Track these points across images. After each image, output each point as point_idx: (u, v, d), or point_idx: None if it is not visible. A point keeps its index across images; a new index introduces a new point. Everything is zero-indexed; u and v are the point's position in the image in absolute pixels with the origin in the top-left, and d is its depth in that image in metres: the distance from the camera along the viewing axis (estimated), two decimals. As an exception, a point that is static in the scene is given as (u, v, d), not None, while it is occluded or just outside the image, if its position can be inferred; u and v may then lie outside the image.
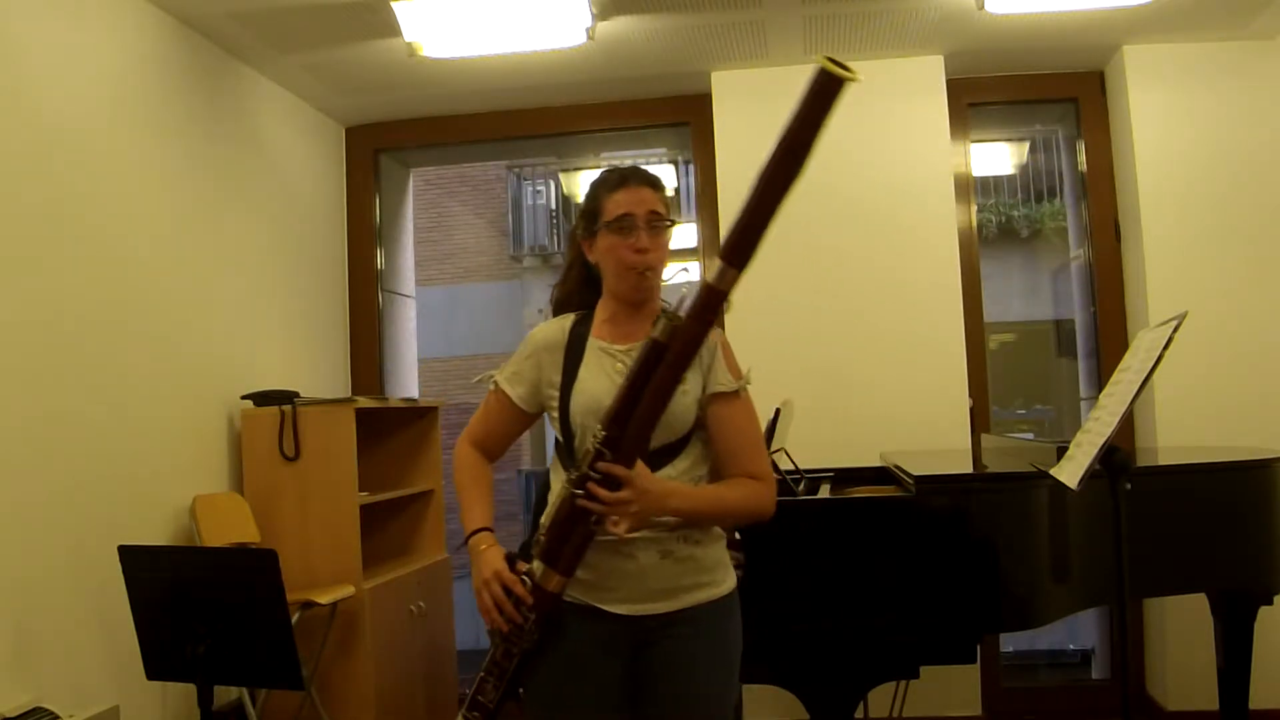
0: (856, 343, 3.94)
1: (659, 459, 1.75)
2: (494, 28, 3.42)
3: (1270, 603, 2.85)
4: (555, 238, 10.79)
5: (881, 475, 3.19)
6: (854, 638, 2.36)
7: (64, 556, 2.65)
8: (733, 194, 4.07)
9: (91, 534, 2.72)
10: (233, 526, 3.25)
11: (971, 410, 3.91)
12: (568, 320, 1.90)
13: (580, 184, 6.75)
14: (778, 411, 2.86)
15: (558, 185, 10.41)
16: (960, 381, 3.90)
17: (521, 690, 1.78)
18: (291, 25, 3.44)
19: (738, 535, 2.86)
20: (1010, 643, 4.45)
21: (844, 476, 3.28)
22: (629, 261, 1.79)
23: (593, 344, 1.85)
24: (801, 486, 2.96)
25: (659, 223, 1.82)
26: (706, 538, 1.82)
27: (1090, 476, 1.93)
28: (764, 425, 2.85)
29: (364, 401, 3.59)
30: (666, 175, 6.23)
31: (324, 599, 3.19)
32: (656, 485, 1.68)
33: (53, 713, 2.44)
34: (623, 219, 1.80)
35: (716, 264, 1.60)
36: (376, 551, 3.80)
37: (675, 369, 1.62)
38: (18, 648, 2.48)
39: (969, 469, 3.08)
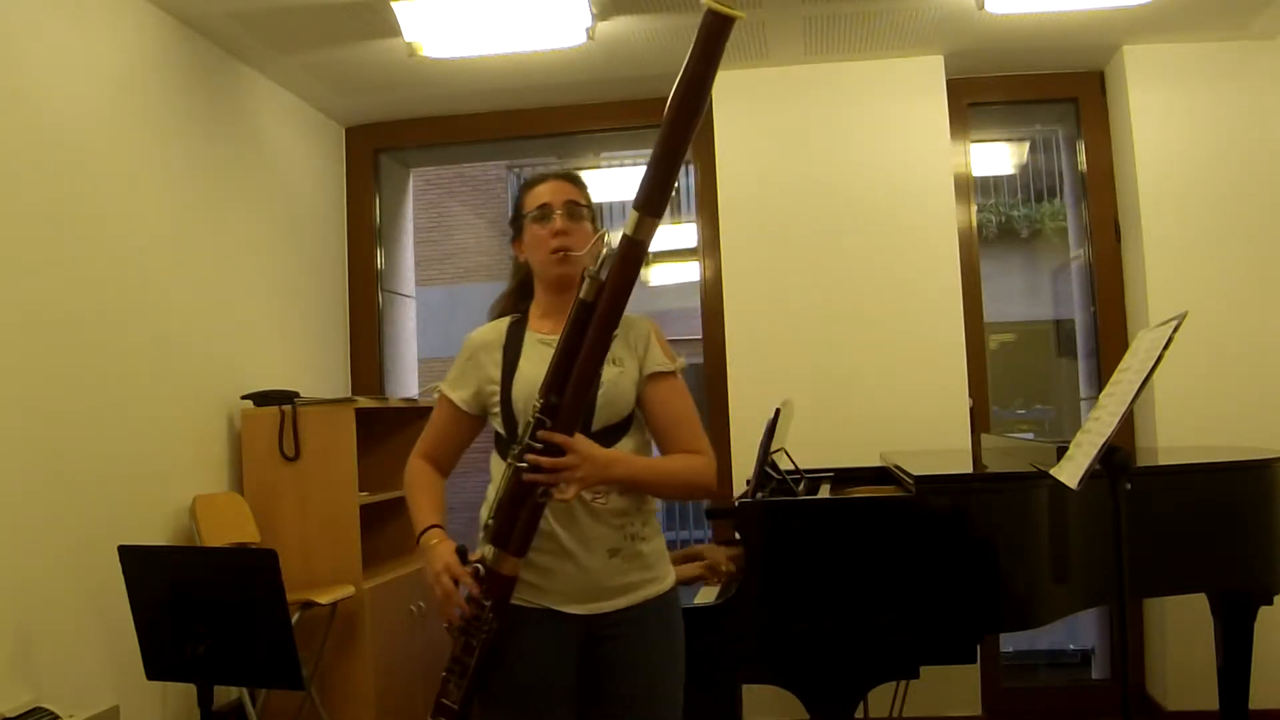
0: (856, 343, 3.94)
1: (605, 439, 1.79)
2: (494, 28, 3.42)
3: (1270, 603, 2.85)
4: (555, 238, 10.76)
5: (881, 475, 3.19)
6: (854, 638, 2.36)
7: (64, 556, 2.64)
8: (733, 194, 4.07)
9: (91, 534, 2.72)
10: (233, 526, 3.25)
11: (971, 410, 3.91)
12: (504, 321, 1.95)
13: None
14: (778, 411, 2.85)
15: (557, 185, 10.38)
16: (960, 381, 3.90)
17: (480, 693, 1.79)
18: (291, 25, 3.44)
19: (737, 535, 2.86)
20: (1010, 643, 4.44)
21: (844, 476, 3.28)
22: (549, 245, 1.86)
23: (530, 337, 1.90)
24: (801, 486, 2.96)
25: (575, 210, 1.89)
26: (649, 531, 1.88)
27: (1090, 476, 1.93)
28: (764, 425, 2.85)
29: (364, 401, 3.59)
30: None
31: (324, 599, 3.19)
32: (599, 451, 1.72)
33: (53, 713, 2.44)
34: (541, 208, 1.89)
35: (633, 215, 1.63)
36: (376, 551, 3.80)
37: (605, 327, 1.66)
38: (18, 648, 2.48)
39: (969, 469, 3.08)
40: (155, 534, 3.04)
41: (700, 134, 4.22)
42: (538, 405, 1.67)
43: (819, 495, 2.94)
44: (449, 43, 3.52)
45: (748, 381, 3.97)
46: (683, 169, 6.12)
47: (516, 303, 1.99)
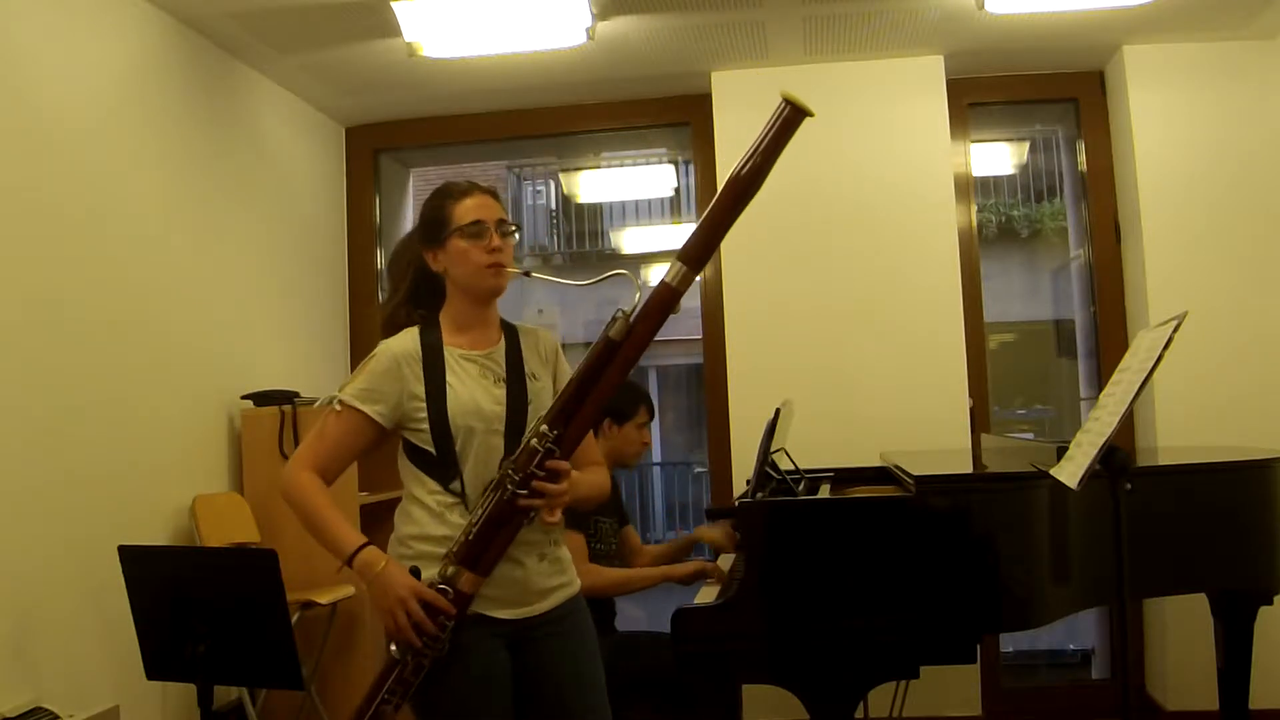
0: (856, 343, 3.94)
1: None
2: (494, 28, 3.42)
3: (1270, 603, 2.85)
4: (555, 238, 10.79)
5: (881, 475, 3.19)
6: (854, 637, 2.36)
7: (64, 556, 2.65)
8: (733, 194, 4.06)
9: (91, 533, 2.72)
10: (233, 526, 3.26)
11: (971, 410, 3.91)
12: (413, 331, 1.92)
13: (580, 184, 6.75)
14: (778, 411, 2.86)
15: (558, 185, 10.40)
16: (960, 381, 3.90)
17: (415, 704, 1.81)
18: (291, 25, 3.44)
19: (738, 535, 2.86)
20: (1010, 643, 4.44)
21: (844, 476, 3.28)
22: (485, 261, 1.88)
23: (451, 352, 1.89)
24: (801, 486, 2.96)
25: (506, 229, 1.92)
26: (562, 538, 1.96)
27: (1090, 476, 1.93)
28: (764, 425, 2.86)
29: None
30: (666, 175, 6.22)
31: (324, 599, 3.19)
32: (575, 474, 1.81)
33: (53, 713, 2.44)
34: (476, 224, 1.88)
35: (677, 265, 1.72)
36: (376, 551, 3.79)
37: (624, 368, 1.74)
38: (18, 648, 2.48)
39: (969, 469, 3.08)
40: (155, 534, 3.04)
41: (700, 134, 4.24)
42: (547, 435, 1.73)
43: (819, 495, 2.94)
44: (449, 43, 3.52)
45: (748, 381, 3.97)
46: (683, 168, 6.12)
47: (410, 311, 1.96)
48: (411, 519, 1.86)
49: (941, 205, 3.95)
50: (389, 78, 3.95)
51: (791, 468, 3.08)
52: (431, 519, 1.84)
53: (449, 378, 1.86)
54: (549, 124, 4.45)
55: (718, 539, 3.14)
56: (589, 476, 1.95)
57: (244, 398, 3.50)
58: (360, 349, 4.47)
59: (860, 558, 2.40)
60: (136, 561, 2.30)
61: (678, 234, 8.86)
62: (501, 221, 1.92)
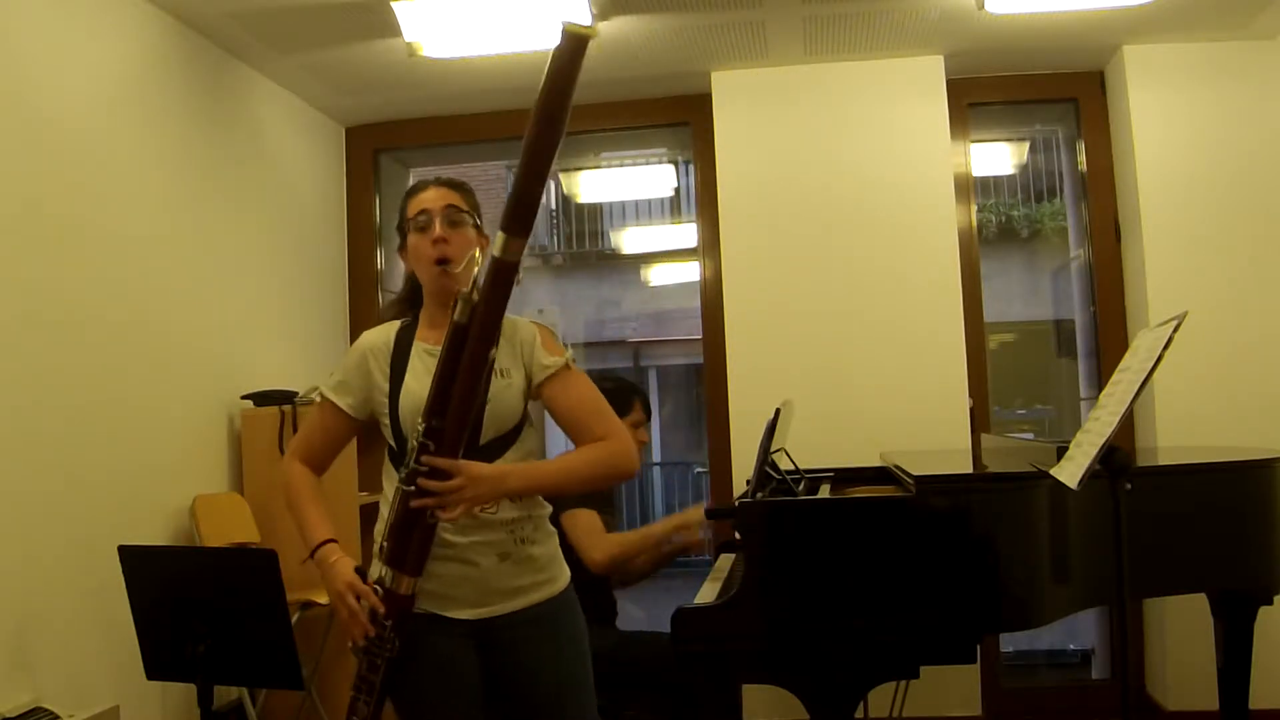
0: (857, 343, 3.94)
1: (490, 453, 1.79)
2: (494, 28, 3.42)
3: (1270, 603, 2.85)
4: (555, 238, 10.79)
5: (881, 475, 3.19)
6: (854, 637, 2.36)
7: (64, 556, 2.65)
8: (733, 194, 4.07)
9: (91, 534, 2.72)
10: (233, 526, 3.26)
11: (971, 410, 3.91)
12: (394, 325, 1.93)
13: (580, 184, 6.75)
14: (778, 411, 2.85)
15: (558, 185, 10.38)
16: (960, 381, 3.90)
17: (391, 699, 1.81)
18: (291, 25, 3.44)
19: (737, 535, 2.86)
20: (1010, 643, 4.44)
21: (844, 476, 3.28)
22: (428, 253, 1.85)
23: (416, 347, 1.89)
24: (801, 486, 2.96)
25: (455, 216, 1.87)
26: (540, 535, 1.89)
27: (1090, 476, 1.93)
28: (764, 425, 2.85)
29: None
30: (666, 175, 6.22)
31: (324, 599, 3.18)
32: (487, 470, 1.72)
33: (53, 713, 2.44)
34: (419, 215, 1.88)
35: (500, 236, 1.63)
36: (376, 551, 3.80)
37: (481, 346, 1.66)
38: (18, 648, 2.48)
39: (969, 469, 3.08)
40: (155, 534, 3.04)
41: (700, 134, 4.24)
42: (420, 428, 1.68)
43: (819, 495, 2.94)
44: (449, 43, 3.52)
45: (748, 381, 3.97)
46: (683, 168, 6.11)
47: (405, 309, 1.98)
48: (381, 516, 1.86)
49: (941, 205, 3.95)
50: (389, 78, 3.95)
51: (791, 468, 3.08)
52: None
53: (406, 375, 1.85)
54: (549, 124, 4.43)
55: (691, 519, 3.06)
56: (555, 462, 1.90)
57: (244, 398, 3.50)
58: (360, 349, 4.47)
59: (860, 558, 2.40)
60: (136, 561, 2.30)
61: (678, 234, 8.83)
62: (450, 208, 1.88)
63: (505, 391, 1.83)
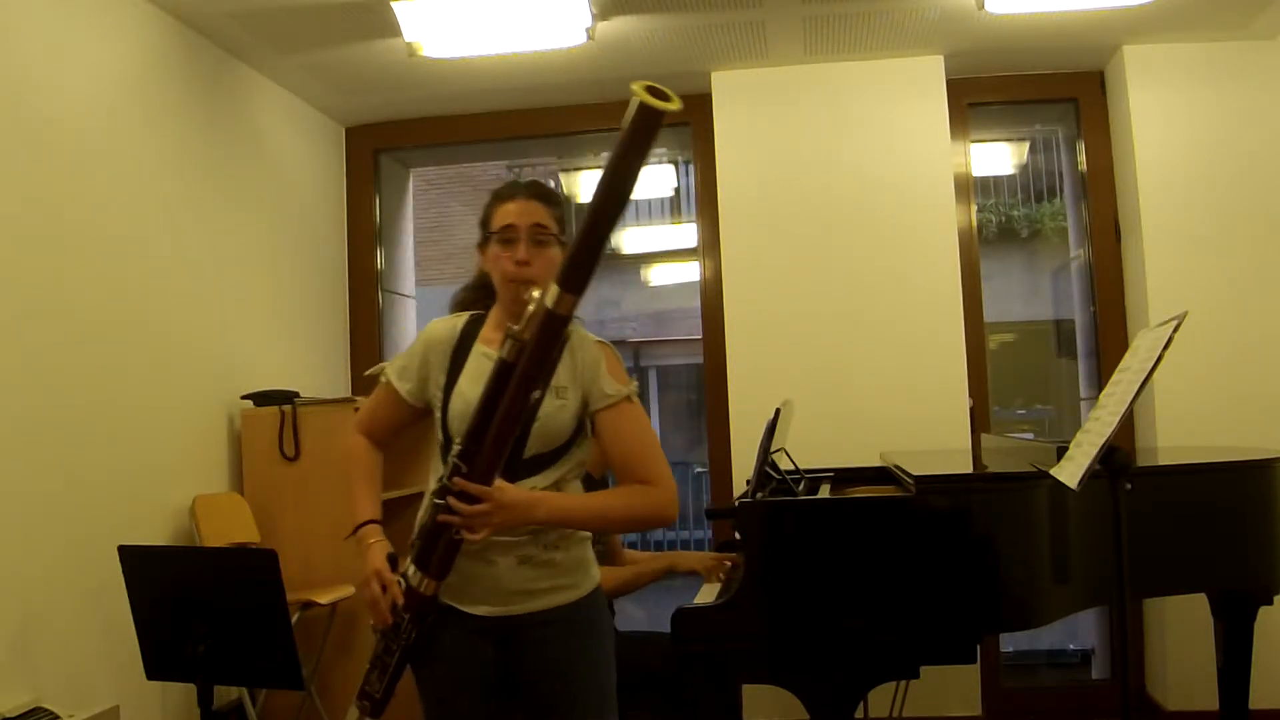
0: (857, 343, 3.94)
1: (530, 469, 1.79)
2: (494, 28, 3.42)
3: (1270, 603, 2.85)
4: (555, 238, 10.76)
5: (881, 475, 3.19)
6: (854, 637, 2.36)
7: (64, 556, 2.65)
8: (733, 194, 4.07)
9: (91, 534, 2.72)
10: (233, 526, 3.26)
11: (971, 410, 3.91)
12: (461, 319, 1.93)
13: (580, 184, 6.74)
14: (778, 411, 2.85)
15: (558, 185, 10.39)
16: (960, 381, 3.90)
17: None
18: (291, 25, 3.44)
19: (737, 535, 2.86)
20: (1010, 643, 4.44)
21: (844, 476, 3.28)
22: (509, 273, 1.82)
23: (477, 348, 1.87)
24: (801, 486, 2.96)
25: (543, 236, 1.83)
26: (566, 542, 1.86)
27: (1090, 476, 1.93)
28: (764, 425, 2.85)
29: (364, 401, 3.58)
30: (666, 175, 6.22)
31: (324, 599, 3.19)
32: (520, 497, 1.71)
33: (53, 713, 2.44)
34: (506, 230, 1.83)
35: (553, 289, 1.60)
36: (376, 551, 3.80)
37: (522, 390, 1.64)
38: (18, 648, 2.48)
39: (969, 469, 3.08)
40: (155, 534, 3.04)
41: (700, 134, 4.24)
42: (457, 449, 1.68)
43: (819, 495, 2.94)
44: (449, 43, 3.52)
45: (748, 381, 3.97)
46: (683, 168, 6.11)
47: (478, 299, 1.97)
48: (424, 506, 1.85)
49: (941, 205, 3.95)
50: (389, 78, 3.95)
51: (791, 468, 3.08)
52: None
53: (461, 377, 1.85)
54: (549, 124, 4.44)
55: (695, 568, 3.05)
56: (590, 498, 1.88)
57: (244, 398, 3.50)
58: (360, 349, 4.47)
59: (860, 558, 2.40)
60: (136, 561, 2.30)
61: (678, 234, 8.83)
62: (537, 226, 1.83)
63: (559, 412, 1.80)
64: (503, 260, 1.83)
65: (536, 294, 1.64)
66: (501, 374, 1.65)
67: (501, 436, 1.66)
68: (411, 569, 1.76)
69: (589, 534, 1.93)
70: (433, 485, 1.81)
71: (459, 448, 1.68)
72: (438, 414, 1.87)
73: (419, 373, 1.90)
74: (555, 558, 1.84)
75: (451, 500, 1.67)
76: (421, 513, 1.81)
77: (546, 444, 1.81)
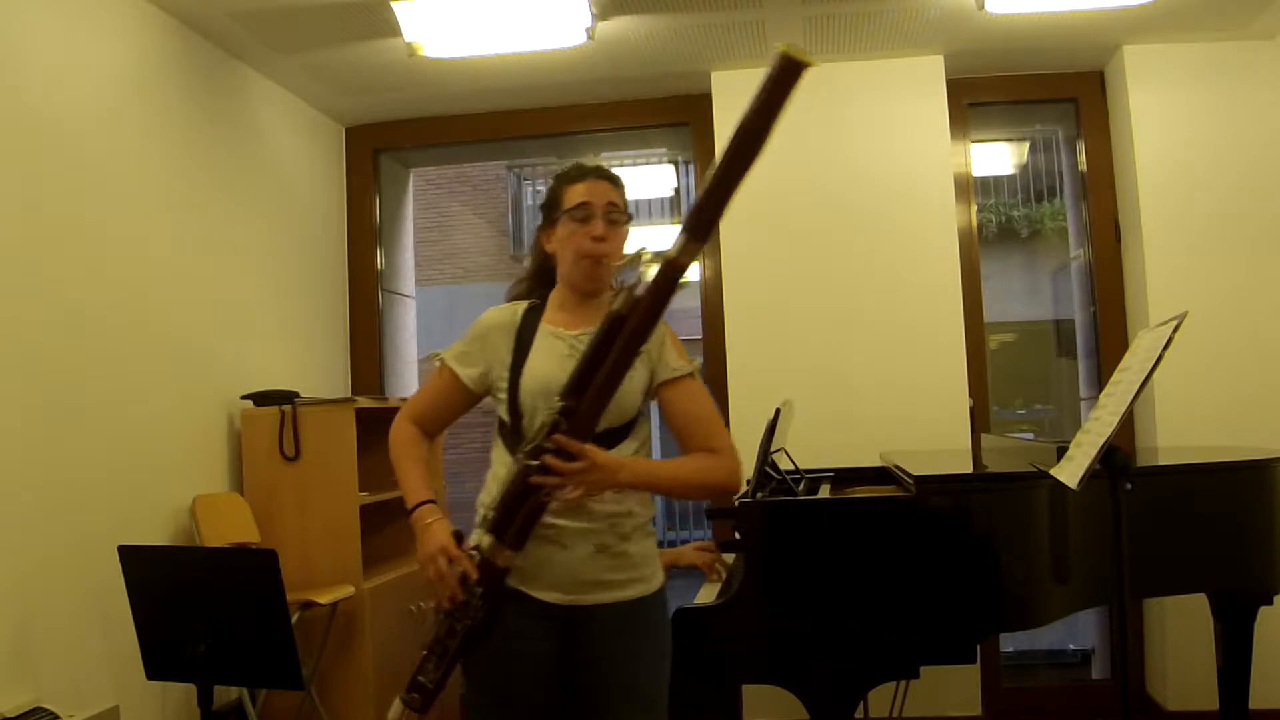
0: (856, 343, 3.94)
1: (604, 442, 1.78)
2: (494, 28, 3.42)
3: (1270, 603, 2.85)
4: (555, 237, 10.76)
5: (881, 475, 3.19)
6: (854, 638, 2.36)
7: (64, 556, 2.65)
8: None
9: (91, 533, 2.72)
10: (233, 526, 3.25)
11: (971, 410, 3.91)
12: (520, 305, 1.94)
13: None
14: (778, 411, 2.85)
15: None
16: (960, 381, 3.90)
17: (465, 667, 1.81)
18: (291, 25, 3.44)
19: (737, 535, 2.86)
20: (1010, 643, 4.44)
21: (844, 476, 3.28)
22: (585, 249, 1.85)
23: (543, 329, 1.90)
24: (801, 486, 2.96)
25: (616, 215, 1.88)
26: (639, 534, 1.88)
27: (1090, 476, 1.93)
28: (764, 425, 2.85)
29: (364, 401, 3.59)
30: (666, 175, 6.22)
31: (324, 599, 3.19)
32: (608, 458, 1.72)
33: (53, 713, 2.44)
34: (581, 206, 1.86)
35: (679, 238, 1.63)
36: (376, 551, 3.80)
37: (634, 342, 1.66)
38: (18, 648, 2.48)
39: (969, 469, 3.08)
40: (155, 534, 3.04)
41: (700, 134, 4.24)
42: (556, 407, 1.68)
43: (819, 495, 2.94)
44: (449, 43, 3.52)
45: (747, 381, 3.97)
46: (683, 168, 6.08)
47: (534, 288, 1.99)
48: (486, 486, 1.86)
49: (941, 205, 3.95)
50: (389, 78, 3.95)
51: (791, 468, 3.08)
52: (500, 487, 1.82)
53: (531, 353, 1.86)
54: (549, 124, 4.44)
55: (695, 563, 3.05)
56: (668, 464, 1.88)
57: (244, 398, 3.50)
58: (360, 349, 4.47)
59: (860, 558, 2.40)
60: (136, 561, 2.31)
61: (675, 233, 8.78)
62: (611, 205, 1.87)
63: (629, 385, 1.80)
64: (577, 237, 1.86)
65: (646, 268, 1.67)
66: (611, 328, 1.66)
67: (603, 392, 1.68)
68: (486, 539, 1.73)
69: (654, 529, 1.94)
70: (496, 468, 1.84)
71: (559, 404, 1.68)
72: (502, 395, 1.87)
73: (481, 357, 1.91)
74: (629, 549, 1.86)
75: (549, 459, 1.66)
76: (489, 489, 1.82)
77: (619, 418, 1.83)
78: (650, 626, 1.89)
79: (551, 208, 1.92)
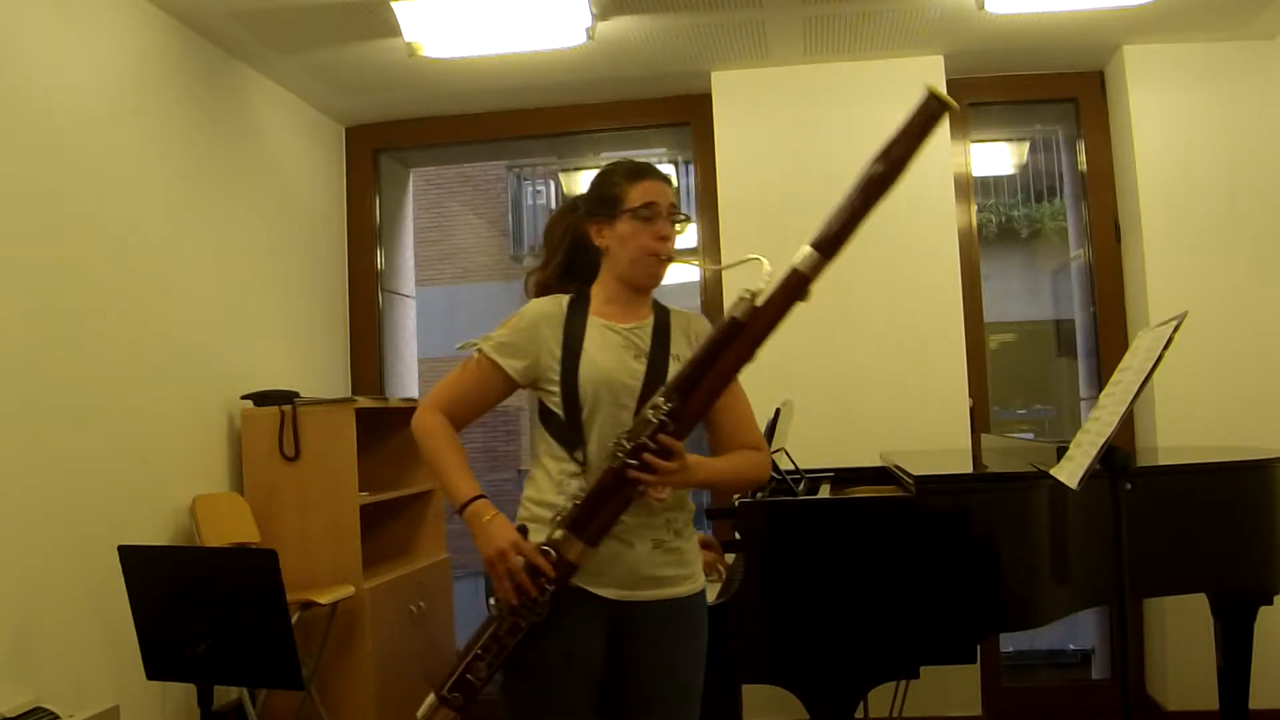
0: (856, 343, 3.94)
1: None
2: (494, 28, 3.42)
3: (1270, 603, 2.85)
4: (555, 237, 10.75)
5: (881, 475, 3.19)
6: (854, 638, 2.36)
7: (64, 556, 2.65)
8: (733, 194, 4.07)
9: (91, 533, 2.72)
10: (233, 526, 3.25)
11: (971, 410, 3.91)
12: (563, 298, 1.93)
13: (580, 184, 6.76)
14: (778, 411, 2.85)
15: (558, 185, 10.39)
16: (960, 381, 3.90)
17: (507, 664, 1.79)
18: (291, 25, 3.44)
19: (737, 535, 2.86)
20: (1010, 643, 4.44)
21: (844, 476, 3.28)
22: (652, 248, 1.87)
23: (594, 321, 1.88)
24: (801, 486, 2.96)
25: (677, 217, 1.91)
26: (688, 531, 1.90)
27: (1090, 476, 1.93)
28: (764, 425, 2.85)
29: (364, 401, 3.59)
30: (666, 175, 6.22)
31: (324, 599, 3.19)
32: (694, 459, 1.76)
33: (53, 713, 2.44)
34: (650, 206, 1.87)
35: (808, 251, 1.72)
36: (376, 551, 3.80)
37: (750, 348, 1.71)
38: (18, 648, 2.48)
39: (969, 469, 3.08)
40: (155, 534, 3.04)
41: (700, 134, 4.24)
42: (664, 408, 1.69)
43: (819, 495, 2.94)
44: (449, 43, 3.52)
45: (747, 381, 3.94)
46: (683, 168, 6.09)
47: (567, 281, 1.95)
48: (534, 482, 1.85)
49: (942, 205, 3.95)
50: (389, 78, 3.95)
51: (791, 468, 3.08)
52: (552, 486, 1.82)
53: (586, 343, 1.84)
54: (549, 124, 4.44)
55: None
56: (725, 461, 1.90)
57: (244, 398, 3.50)
58: (360, 349, 4.47)
59: (860, 558, 2.40)
60: (136, 561, 2.31)
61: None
62: (674, 207, 1.90)
63: None
64: (643, 235, 1.87)
65: (767, 269, 1.73)
66: (728, 332, 1.70)
67: (710, 394, 1.71)
68: (561, 534, 1.72)
69: (694, 530, 1.96)
70: (546, 462, 1.84)
71: (666, 405, 1.69)
72: (554, 387, 1.84)
73: (530, 349, 1.86)
74: (682, 545, 1.87)
75: (650, 458, 1.68)
76: (538, 485, 1.83)
77: None
78: (698, 626, 1.90)
79: (610, 203, 1.89)
